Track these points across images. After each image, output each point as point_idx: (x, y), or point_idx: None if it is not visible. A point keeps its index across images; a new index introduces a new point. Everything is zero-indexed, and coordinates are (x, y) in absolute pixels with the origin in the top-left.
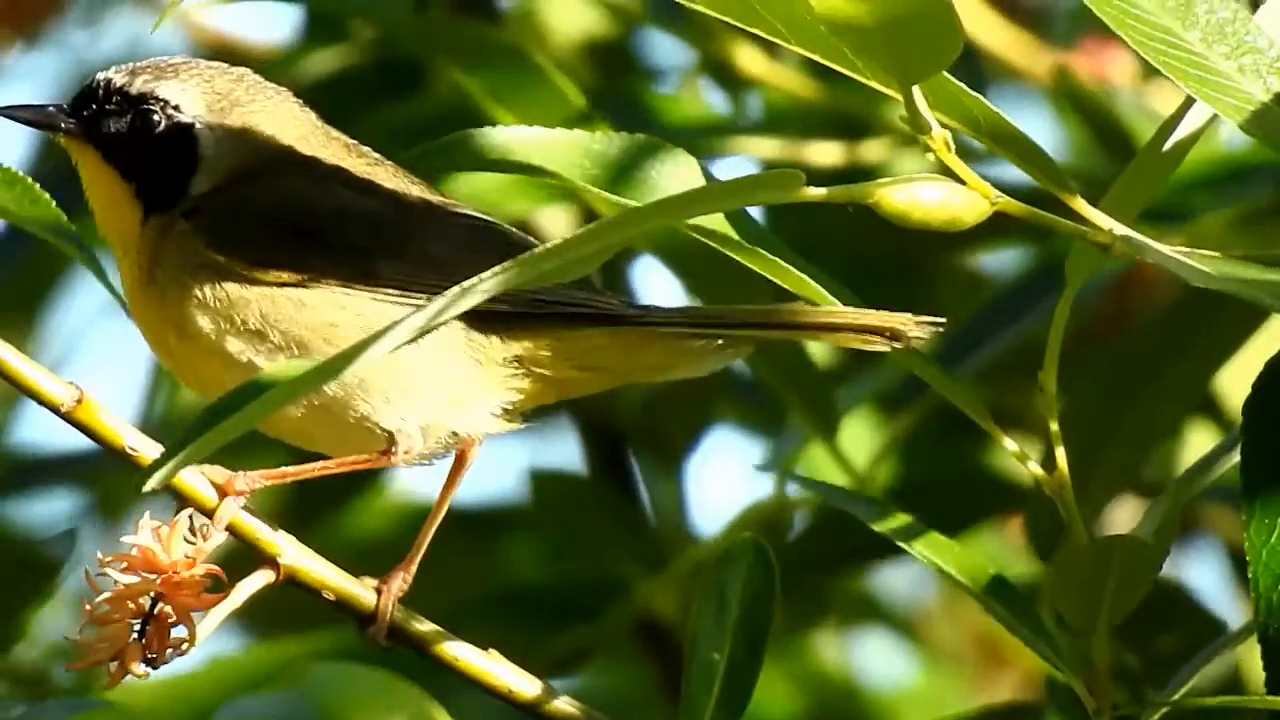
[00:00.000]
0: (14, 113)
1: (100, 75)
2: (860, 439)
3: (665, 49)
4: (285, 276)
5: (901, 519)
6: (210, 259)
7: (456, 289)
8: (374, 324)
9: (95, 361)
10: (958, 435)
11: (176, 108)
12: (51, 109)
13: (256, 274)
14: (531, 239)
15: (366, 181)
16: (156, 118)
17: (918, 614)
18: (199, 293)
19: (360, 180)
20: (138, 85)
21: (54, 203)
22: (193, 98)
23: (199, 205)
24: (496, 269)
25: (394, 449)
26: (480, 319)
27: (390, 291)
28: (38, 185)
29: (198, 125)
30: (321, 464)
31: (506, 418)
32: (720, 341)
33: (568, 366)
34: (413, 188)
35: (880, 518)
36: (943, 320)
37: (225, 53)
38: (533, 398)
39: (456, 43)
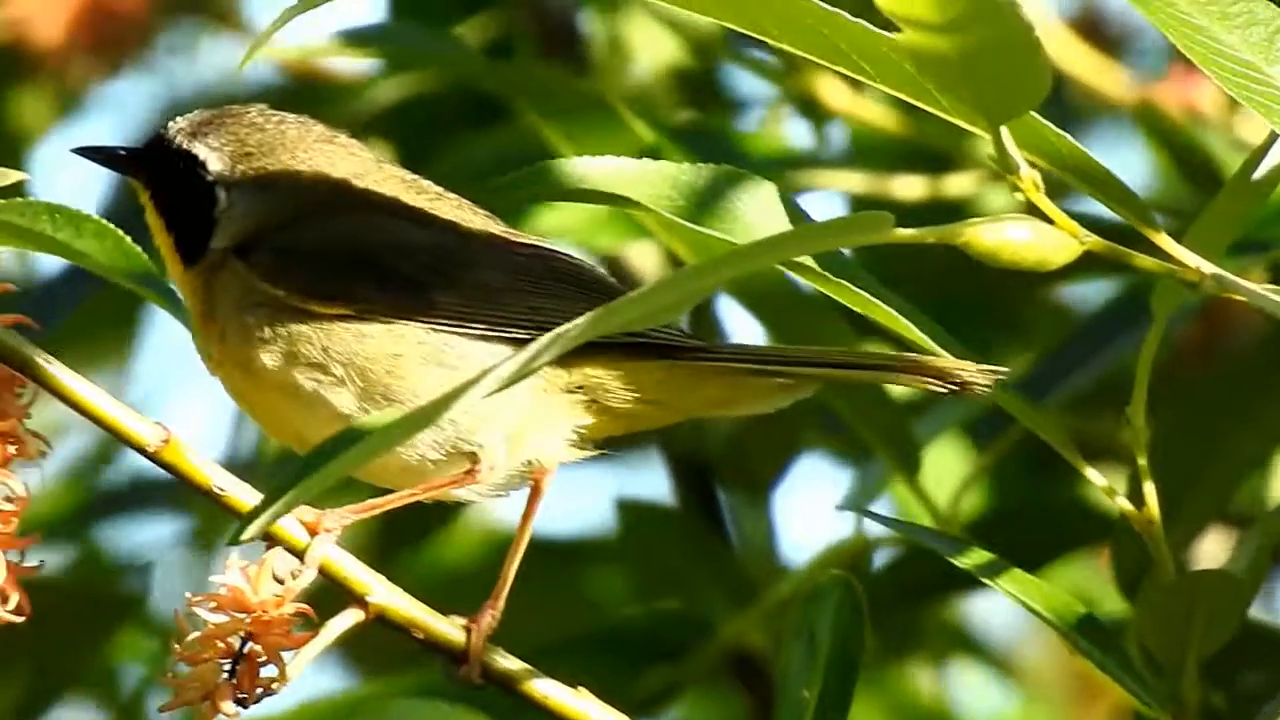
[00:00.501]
0: (85, 152)
1: (167, 124)
2: (946, 469)
3: (749, 81)
4: (342, 308)
5: (985, 555)
6: (267, 294)
7: (550, 335)
8: (434, 354)
9: (186, 397)
10: (1045, 465)
11: (202, 165)
12: (122, 152)
13: (313, 306)
14: (595, 268)
15: (423, 214)
16: (184, 175)
17: (1011, 645)
18: (258, 329)
19: (416, 213)
20: (177, 140)
21: (144, 255)
22: (220, 156)
23: (249, 245)
24: (589, 315)
25: (476, 469)
26: None
27: (448, 321)
28: (128, 238)
29: (217, 186)
30: (408, 492)
31: (578, 445)
32: (783, 379)
33: (628, 398)
34: (474, 219)
35: (963, 554)
36: (1005, 370)
37: (312, 82)
38: (600, 428)
39: (534, 88)
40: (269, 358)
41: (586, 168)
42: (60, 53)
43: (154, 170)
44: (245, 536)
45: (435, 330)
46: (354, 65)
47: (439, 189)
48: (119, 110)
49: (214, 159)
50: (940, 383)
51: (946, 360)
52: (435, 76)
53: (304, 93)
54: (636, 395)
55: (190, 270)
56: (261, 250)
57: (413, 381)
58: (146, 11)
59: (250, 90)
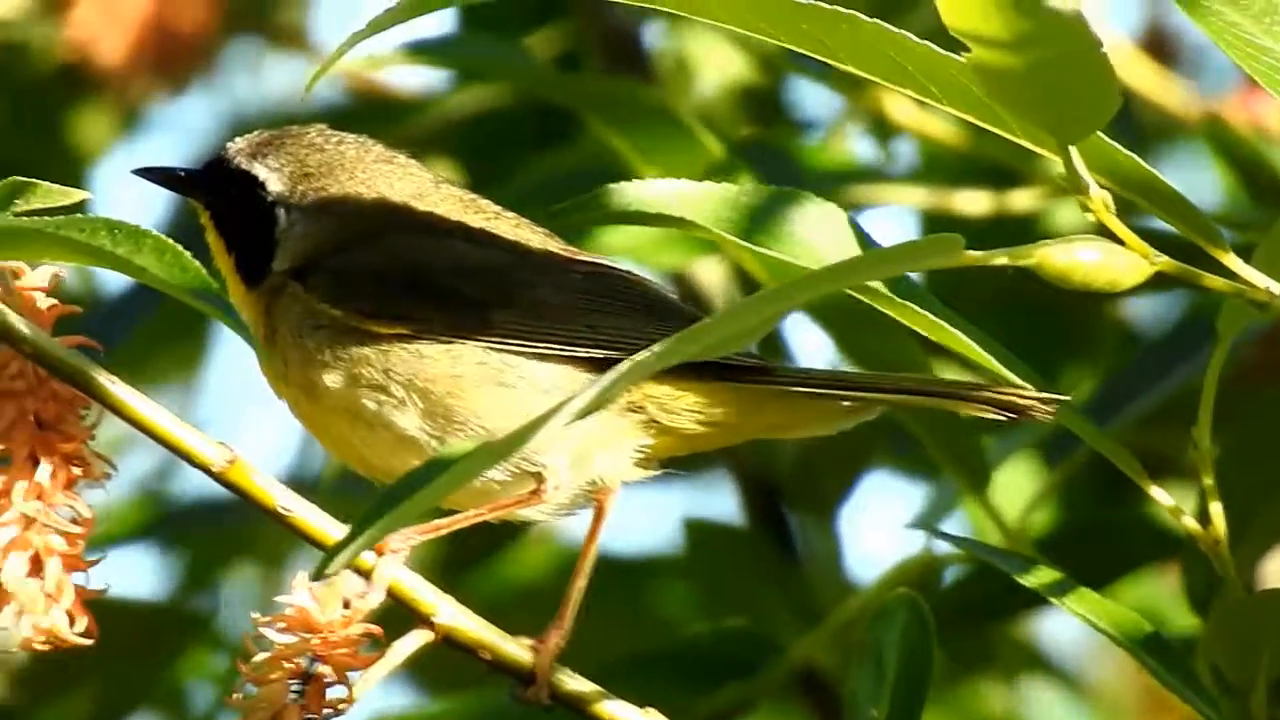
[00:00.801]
0: (145, 172)
1: (227, 145)
2: (1016, 486)
3: (815, 96)
4: (401, 329)
5: (1053, 574)
6: (327, 315)
7: (628, 362)
8: (494, 374)
9: (255, 412)
10: (1115, 482)
11: (262, 186)
12: (181, 173)
13: (372, 327)
14: (656, 285)
15: (481, 233)
16: (244, 196)
17: (1082, 661)
18: (319, 352)
19: (475, 232)
20: (237, 160)
21: (203, 270)
22: (280, 177)
23: (308, 267)
24: (666, 341)
25: (541, 490)
26: (604, 364)
27: (506, 341)
28: (187, 253)
29: (277, 206)
30: (473, 513)
31: (642, 465)
32: (846, 403)
33: (691, 420)
34: (533, 238)
35: (1031, 573)
36: (1067, 397)
37: (377, 99)
38: (664, 448)
39: (603, 100)
40: (330, 380)
41: (648, 190)
42: (124, 72)
43: (214, 191)
44: (330, 570)
45: (494, 350)
46: (419, 81)
47: (497, 208)
48: (182, 129)
49: (274, 180)
50: (1002, 410)
51: (1008, 388)
52: (502, 90)
53: (368, 110)
54: (699, 417)
55: (252, 292)
56: (320, 272)
57: (473, 402)
58: (210, 30)
59: (314, 109)
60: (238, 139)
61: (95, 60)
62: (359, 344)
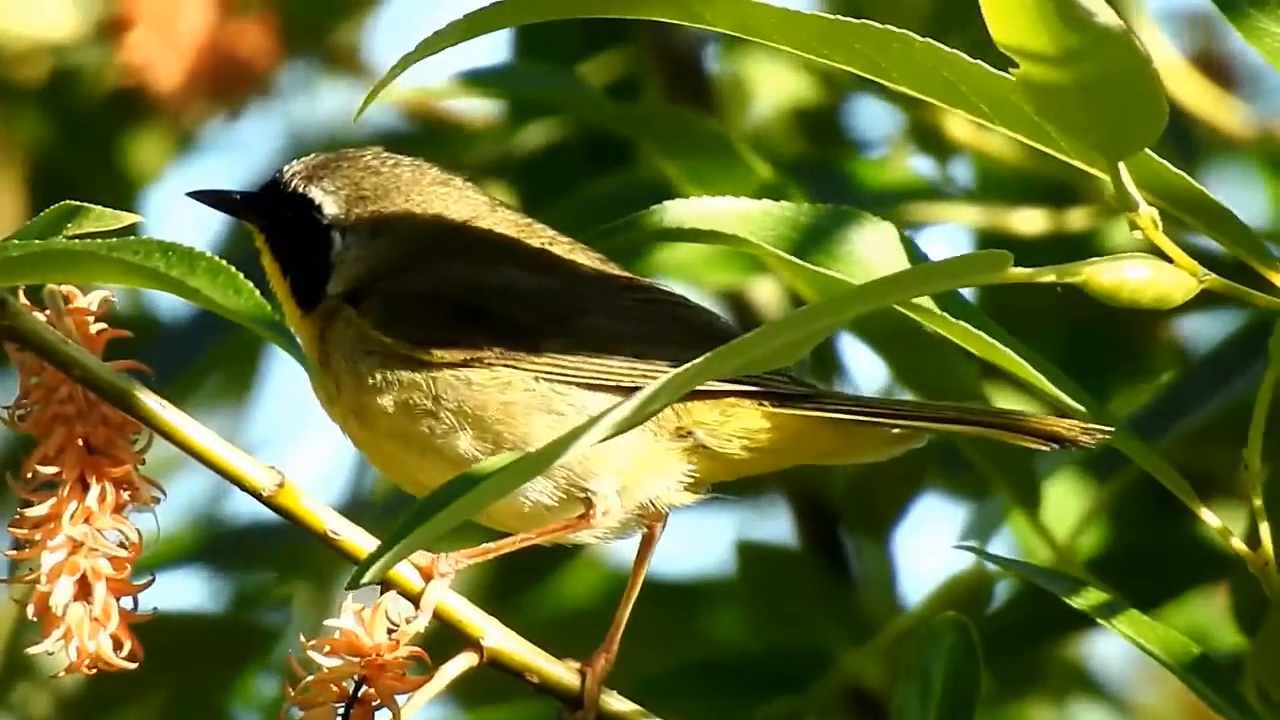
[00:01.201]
0: (200, 195)
1: (282, 168)
2: (1064, 506)
3: (873, 114)
4: (451, 355)
5: (1101, 595)
6: (378, 341)
7: (665, 378)
8: (544, 401)
9: (309, 434)
10: (1165, 501)
11: (318, 209)
12: (236, 196)
13: (423, 354)
14: (709, 312)
15: (534, 259)
16: (300, 219)
17: (1132, 681)
18: (370, 377)
19: (527, 258)
20: (293, 183)
21: (257, 292)
22: (336, 200)
23: (361, 292)
24: (706, 355)
25: (591, 513)
26: None
27: (556, 369)
28: (241, 275)
29: (332, 230)
30: (522, 536)
31: (690, 489)
32: (895, 430)
33: (739, 446)
34: (586, 263)
35: (1080, 595)
36: (1110, 430)
37: (433, 123)
38: (711, 473)
39: (658, 128)
40: (381, 405)
41: (700, 208)
42: (180, 96)
43: (269, 214)
44: (362, 581)
45: (543, 379)
46: (476, 106)
47: (552, 233)
48: (237, 151)
49: (329, 202)
50: (1047, 441)
51: (1053, 420)
52: (560, 122)
53: (425, 135)
54: (746, 443)
55: (307, 317)
56: (373, 296)
57: (523, 428)
58: (268, 53)
59: (370, 133)
60: (294, 162)
61: (151, 84)
62: (410, 370)
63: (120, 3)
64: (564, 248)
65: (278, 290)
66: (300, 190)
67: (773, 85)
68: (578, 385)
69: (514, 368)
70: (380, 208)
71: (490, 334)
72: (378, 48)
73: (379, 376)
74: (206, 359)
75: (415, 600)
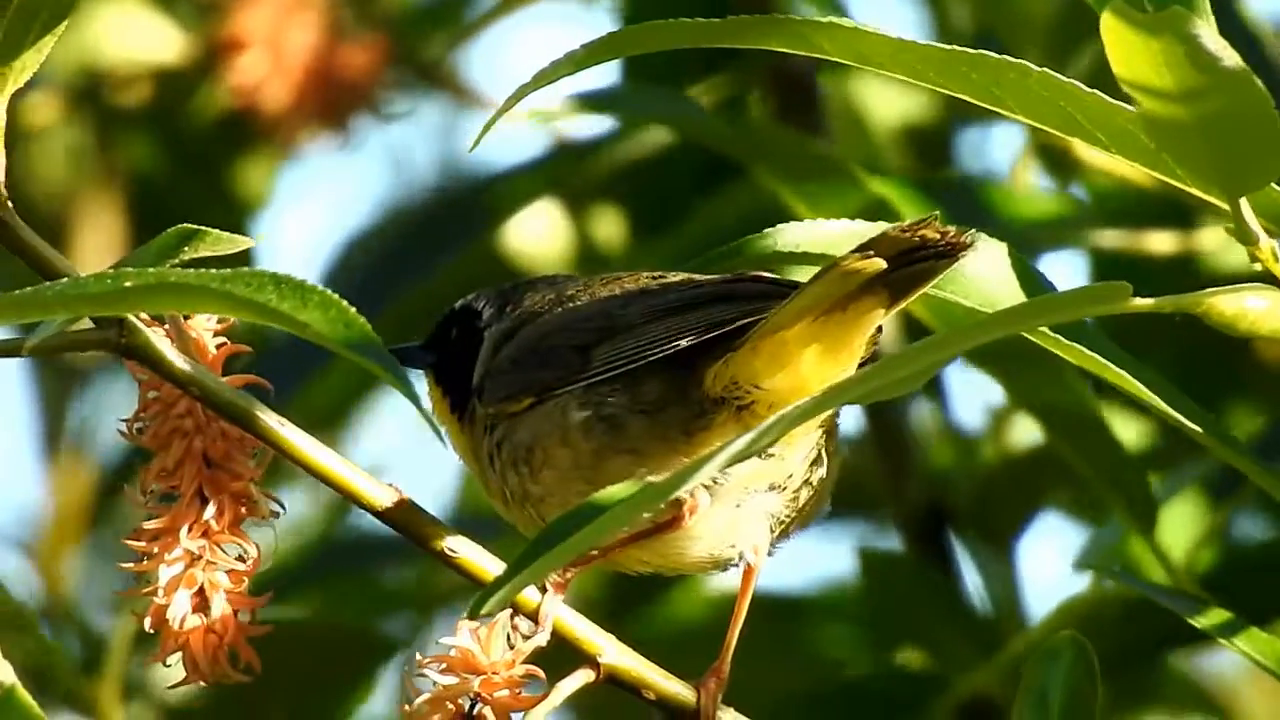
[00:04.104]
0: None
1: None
2: (1183, 523)
3: (997, 133)
4: (529, 400)
5: (1222, 614)
6: (484, 414)
7: (790, 409)
8: (594, 408)
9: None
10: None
11: (478, 315)
12: (416, 349)
13: (510, 409)
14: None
15: (608, 287)
16: (462, 331)
17: (1246, 694)
18: (488, 448)
19: (600, 288)
20: (462, 302)
21: (368, 326)
22: (489, 308)
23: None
24: (824, 389)
25: (682, 514)
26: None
27: (600, 374)
28: (352, 309)
29: (485, 331)
30: (618, 539)
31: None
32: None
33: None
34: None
35: (1199, 613)
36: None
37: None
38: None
39: (768, 149)
40: (497, 474)
41: (815, 230)
42: (289, 119)
43: (438, 345)
44: (485, 610)
45: (589, 388)
46: (595, 128)
47: (652, 273)
48: (342, 172)
49: (485, 310)
50: (931, 258)
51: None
52: (666, 137)
53: (540, 156)
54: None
55: (463, 423)
56: (486, 378)
57: (582, 444)
58: (374, 78)
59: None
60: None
61: (260, 106)
62: (502, 427)
63: (228, 25)
64: (672, 279)
65: (438, 412)
66: (468, 303)
67: (887, 102)
68: (621, 382)
69: (569, 388)
70: (515, 309)
71: (553, 368)
72: (478, 70)
73: (486, 443)
74: (318, 375)
75: (531, 616)
